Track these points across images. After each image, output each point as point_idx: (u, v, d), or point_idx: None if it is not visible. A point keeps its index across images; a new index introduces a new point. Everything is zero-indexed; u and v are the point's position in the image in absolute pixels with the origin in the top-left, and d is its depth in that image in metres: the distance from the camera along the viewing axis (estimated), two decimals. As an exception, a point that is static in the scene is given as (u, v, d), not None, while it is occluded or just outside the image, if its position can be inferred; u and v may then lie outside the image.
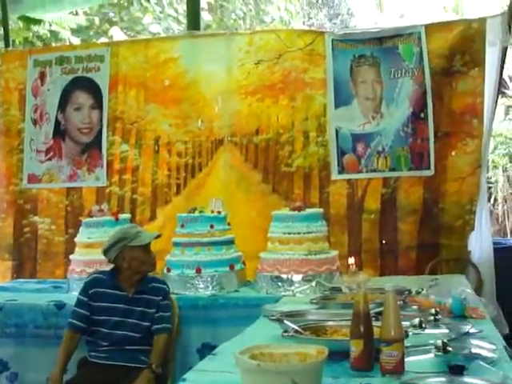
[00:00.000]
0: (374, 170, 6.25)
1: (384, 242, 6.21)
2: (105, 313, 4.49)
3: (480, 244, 6.12)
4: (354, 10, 21.16)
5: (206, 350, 4.54)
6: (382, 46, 6.30)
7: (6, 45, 7.75)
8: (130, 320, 4.45)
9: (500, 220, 13.68)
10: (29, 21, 12.77)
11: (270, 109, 6.48)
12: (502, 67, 6.15)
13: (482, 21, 6.12)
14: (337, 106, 6.33)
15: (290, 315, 3.43)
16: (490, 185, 12.97)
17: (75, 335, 4.54)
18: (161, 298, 4.51)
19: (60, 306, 5.07)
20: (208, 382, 2.56)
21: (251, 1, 16.79)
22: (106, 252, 4.56)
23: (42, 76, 7.05)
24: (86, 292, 4.56)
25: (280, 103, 6.47)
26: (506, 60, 6.36)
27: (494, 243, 6.42)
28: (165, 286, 4.61)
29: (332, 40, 6.35)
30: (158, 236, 4.72)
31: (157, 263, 4.70)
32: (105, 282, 4.56)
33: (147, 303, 4.48)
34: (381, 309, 2.75)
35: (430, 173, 6.16)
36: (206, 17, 14.52)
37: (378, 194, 6.27)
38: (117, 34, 14.82)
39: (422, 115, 6.15)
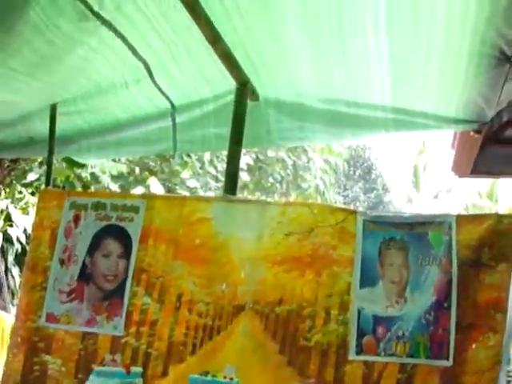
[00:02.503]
0: (392, 355, 6.17)
1: None
2: None
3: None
4: (389, 185, 21.59)
5: None
6: (413, 231, 6.35)
7: (47, 183, 7.93)
8: None
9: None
10: (72, 163, 13.17)
11: (295, 280, 6.48)
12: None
13: (514, 216, 6.22)
14: (362, 285, 6.33)
15: None
16: (509, 378, 12.70)
17: None
18: None
19: None
20: None
21: (290, 166, 17.19)
22: None
23: (77, 219, 7.18)
24: None
25: (306, 277, 6.47)
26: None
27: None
28: None
29: (364, 220, 6.45)
30: None
31: None
32: None
33: None
34: None
35: (448, 363, 6.06)
36: (244, 177, 14.88)
37: (393, 378, 6.15)
38: (155, 184, 15.21)
39: (446, 304, 6.12)
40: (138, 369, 5.86)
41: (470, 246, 6.18)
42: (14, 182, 16.16)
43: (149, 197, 7.63)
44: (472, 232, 6.21)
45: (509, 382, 11.96)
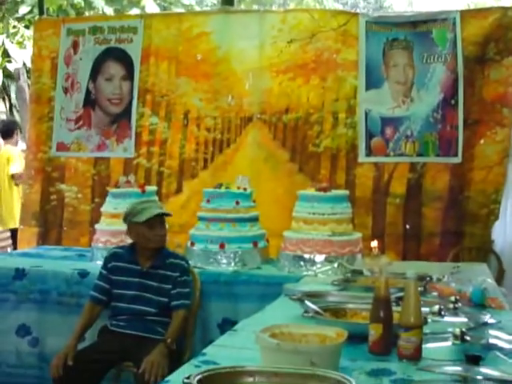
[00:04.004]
0: (402, 155, 6.24)
1: (408, 226, 6.21)
2: (122, 286, 4.55)
3: (503, 234, 6.10)
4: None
5: (227, 325, 4.57)
6: (416, 30, 6.26)
7: (40, 13, 7.78)
8: (145, 294, 4.49)
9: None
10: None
11: (300, 88, 6.47)
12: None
13: (519, 8, 6.09)
14: (367, 88, 6.32)
15: (311, 295, 3.46)
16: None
17: (95, 307, 4.61)
18: (178, 274, 4.50)
19: (83, 274, 5.14)
20: (227, 357, 2.59)
21: (286, -23, 16.75)
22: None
23: (75, 45, 7.08)
24: (105, 266, 4.64)
25: (311, 83, 6.45)
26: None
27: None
28: (183, 262, 4.59)
29: (366, 22, 6.33)
30: (164, 214, 4.65)
31: (166, 239, 4.63)
32: (123, 256, 4.62)
33: (163, 279, 4.49)
34: (401, 294, 2.78)
35: (457, 160, 6.14)
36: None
37: (404, 178, 6.27)
38: (150, 4, 14.85)
39: (453, 102, 6.13)
40: (153, 188, 5.92)
41: (476, 42, 6.11)
42: (6, 15, 15.86)
43: (145, 16, 7.47)
44: (477, 27, 6.12)
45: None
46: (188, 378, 2.06)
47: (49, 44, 7.20)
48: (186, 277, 4.57)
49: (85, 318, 4.59)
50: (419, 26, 6.26)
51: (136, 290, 4.50)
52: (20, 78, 15.05)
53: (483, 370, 2.29)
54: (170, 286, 4.48)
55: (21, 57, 15.76)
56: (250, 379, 2.14)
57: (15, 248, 7.50)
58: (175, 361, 4.01)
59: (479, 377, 2.20)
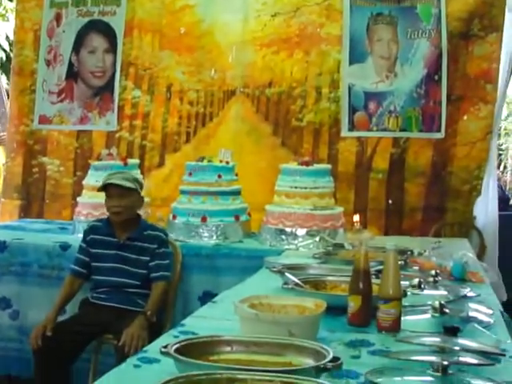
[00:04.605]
0: (385, 130, 6.24)
1: (390, 201, 6.22)
2: (100, 259, 4.54)
3: (485, 210, 6.14)
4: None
5: (208, 297, 4.54)
6: (401, 5, 6.24)
7: (23, -16, 7.68)
8: (123, 266, 4.48)
9: (508, 187, 13.65)
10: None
11: (284, 62, 6.46)
12: (519, 34, 6.10)
13: (503, -15, 6.07)
14: (351, 62, 6.30)
15: (292, 268, 3.47)
16: (501, 152, 12.91)
17: (76, 280, 4.60)
18: (156, 246, 4.48)
19: (65, 247, 5.12)
20: (206, 328, 2.59)
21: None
22: None
23: (58, 17, 7.02)
24: (84, 239, 4.63)
25: (294, 57, 6.44)
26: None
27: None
28: (161, 234, 4.57)
29: (350, -4, 6.31)
30: (113, 185, 4.50)
31: (123, 213, 4.47)
32: (100, 228, 4.60)
33: (141, 251, 4.48)
34: (381, 267, 2.78)
35: (440, 135, 6.15)
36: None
37: (387, 153, 6.27)
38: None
39: (436, 77, 6.13)
40: (135, 160, 5.90)
41: (460, 18, 6.09)
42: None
43: (129, -12, 7.40)
44: (462, 3, 6.10)
45: (500, 155, 12.23)
46: (165, 347, 2.06)
47: (31, 16, 7.13)
48: (165, 248, 4.55)
49: (65, 291, 4.58)
50: (404, 1, 6.24)
51: (114, 263, 4.49)
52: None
53: (461, 341, 2.30)
54: (148, 258, 4.47)
55: (3, 29, 15.61)
56: (228, 348, 2.14)
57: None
58: (155, 333, 4.00)
59: (457, 347, 2.21)
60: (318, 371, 1.94)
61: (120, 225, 4.54)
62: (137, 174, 5.52)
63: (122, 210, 4.49)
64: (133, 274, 4.47)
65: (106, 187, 4.55)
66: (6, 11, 15.47)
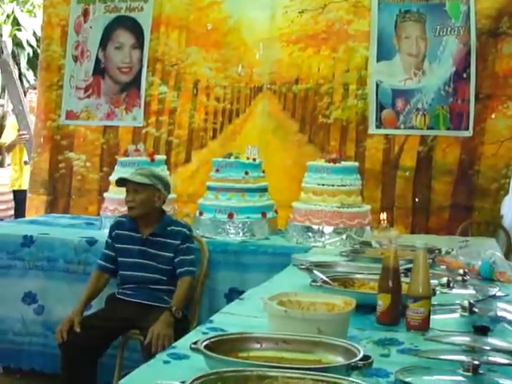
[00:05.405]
0: (412, 127, 6.21)
1: (417, 199, 6.19)
2: (125, 254, 4.57)
3: (513, 209, 6.09)
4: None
5: (234, 294, 4.56)
6: (429, 3, 6.20)
7: (50, -20, 7.72)
8: (148, 262, 4.49)
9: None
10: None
11: (311, 59, 6.44)
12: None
13: (534, -18, 6.02)
14: (379, 59, 6.27)
15: (319, 265, 3.45)
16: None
17: (102, 275, 4.63)
18: (180, 241, 4.49)
19: (91, 242, 5.13)
20: (234, 325, 2.59)
21: None
22: None
23: (85, 13, 7.04)
24: (110, 234, 4.66)
25: (322, 54, 6.41)
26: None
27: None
28: (185, 230, 4.57)
29: (378, -8, 6.29)
30: (127, 180, 4.58)
31: (137, 209, 4.50)
32: (125, 224, 4.62)
33: (164, 246, 4.50)
34: (410, 265, 2.76)
35: (468, 134, 6.11)
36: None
37: (414, 151, 6.24)
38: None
39: (465, 75, 6.08)
40: (162, 156, 5.89)
41: (489, 15, 6.05)
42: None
43: (156, -16, 7.40)
44: (491, 0, 6.06)
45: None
46: (195, 343, 2.05)
47: (59, 12, 7.17)
48: (189, 244, 4.56)
49: (91, 286, 4.61)
50: (432, -1, 6.21)
51: (138, 258, 4.52)
52: (3, 51, 14.94)
53: (491, 340, 2.28)
54: (171, 255, 4.48)
55: (31, 25, 15.72)
56: (257, 345, 2.13)
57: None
58: (182, 330, 4.01)
59: (487, 347, 2.19)
60: (349, 369, 1.92)
61: (143, 220, 4.56)
62: (163, 170, 5.53)
63: (136, 205, 4.51)
64: (158, 270, 4.49)
65: (125, 183, 4.57)
66: (34, 7, 15.60)
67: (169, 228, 4.54)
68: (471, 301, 2.77)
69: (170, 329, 4.16)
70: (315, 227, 5.11)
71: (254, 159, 5.45)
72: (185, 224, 4.70)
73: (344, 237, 4.94)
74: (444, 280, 3.22)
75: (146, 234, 4.53)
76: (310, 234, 5.10)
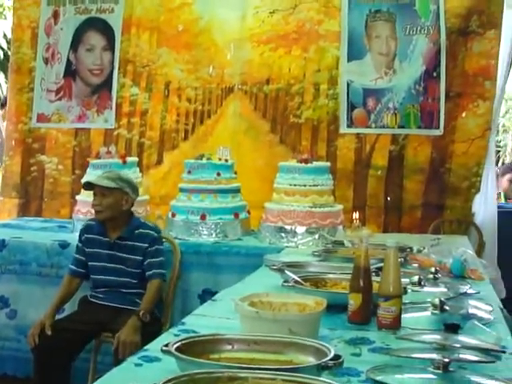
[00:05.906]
0: (383, 126, 6.24)
1: (389, 198, 6.21)
2: (94, 258, 4.54)
3: (484, 207, 6.13)
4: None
5: (207, 295, 4.56)
6: (399, 2, 6.23)
7: (21, -18, 7.67)
8: (116, 265, 4.47)
9: (506, 184, 13.64)
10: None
11: (281, 59, 6.45)
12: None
13: (502, -18, 6.06)
14: (350, 59, 6.29)
15: (292, 266, 3.46)
16: (499, 148, 12.92)
17: (73, 280, 4.61)
18: (147, 244, 4.46)
19: (64, 245, 5.11)
20: (206, 327, 2.59)
21: None
22: None
23: (56, 15, 7.00)
24: (80, 238, 4.64)
25: (292, 54, 6.43)
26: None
27: (498, 207, 6.45)
28: (152, 232, 4.53)
29: (348, -7, 6.30)
30: (90, 184, 4.60)
31: (103, 212, 4.48)
32: (94, 228, 4.60)
33: (132, 250, 4.47)
34: (381, 264, 2.77)
35: (439, 132, 6.14)
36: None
37: (385, 150, 6.26)
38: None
39: (435, 74, 6.12)
40: (134, 158, 5.87)
41: (459, 14, 6.08)
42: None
43: (127, -14, 7.38)
44: (460, 0, 6.09)
45: (498, 151, 12.24)
46: (166, 345, 2.05)
47: (29, 14, 7.12)
48: (158, 246, 4.53)
49: (63, 290, 4.59)
50: (402, -2, 6.24)
51: (107, 262, 4.50)
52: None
53: (461, 338, 2.30)
54: (140, 258, 4.46)
55: (1, 28, 15.57)
56: (229, 347, 2.13)
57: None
58: (154, 332, 4.00)
59: (457, 345, 2.21)
60: (320, 369, 1.93)
61: (110, 224, 4.53)
62: (135, 172, 5.52)
63: (103, 208, 4.48)
64: (128, 273, 4.47)
65: (93, 186, 4.55)
66: (4, 9, 15.45)
67: (136, 231, 4.51)
68: (442, 299, 2.78)
69: (136, 334, 4.12)
70: (288, 227, 5.12)
71: (226, 160, 5.45)
72: (153, 226, 4.66)
73: (317, 237, 4.97)
74: (415, 278, 3.24)
75: (114, 238, 4.50)
76: (283, 234, 5.11)
